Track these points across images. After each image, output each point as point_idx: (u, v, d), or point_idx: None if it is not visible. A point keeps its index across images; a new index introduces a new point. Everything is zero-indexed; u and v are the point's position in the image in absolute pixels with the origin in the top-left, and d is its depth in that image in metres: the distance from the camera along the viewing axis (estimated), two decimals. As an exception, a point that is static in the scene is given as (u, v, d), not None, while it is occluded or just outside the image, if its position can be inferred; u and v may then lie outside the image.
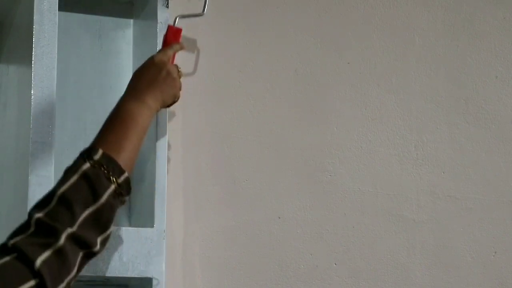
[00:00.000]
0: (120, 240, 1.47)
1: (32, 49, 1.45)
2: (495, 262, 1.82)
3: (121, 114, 1.31)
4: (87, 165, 1.21)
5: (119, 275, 1.48)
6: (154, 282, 1.49)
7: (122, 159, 1.24)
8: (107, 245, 1.24)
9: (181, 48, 1.52)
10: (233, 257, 1.68)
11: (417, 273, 1.78)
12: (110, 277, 1.48)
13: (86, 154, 1.22)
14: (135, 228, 1.53)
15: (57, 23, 1.47)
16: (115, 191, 1.22)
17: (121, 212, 1.62)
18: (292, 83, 1.76)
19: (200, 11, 1.59)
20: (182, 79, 1.47)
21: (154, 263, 1.49)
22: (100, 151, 1.22)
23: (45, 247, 1.13)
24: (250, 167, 1.71)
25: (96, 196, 1.20)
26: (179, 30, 1.52)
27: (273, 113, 1.74)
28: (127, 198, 1.26)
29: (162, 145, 1.54)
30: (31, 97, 1.44)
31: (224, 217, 1.69)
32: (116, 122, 1.30)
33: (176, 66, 1.46)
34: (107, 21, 1.67)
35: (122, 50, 1.68)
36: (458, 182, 1.83)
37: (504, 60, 1.88)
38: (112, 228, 1.23)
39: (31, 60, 1.45)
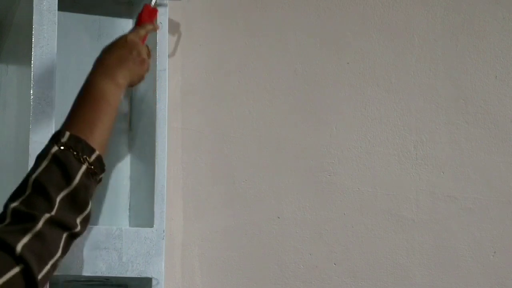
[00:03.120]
0: (119, 240, 1.48)
1: (31, 49, 1.45)
2: (494, 262, 1.82)
3: (93, 93, 1.29)
4: (55, 149, 1.20)
5: (118, 275, 1.48)
6: (154, 282, 1.49)
7: (95, 139, 1.23)
8: (89, 225, 1.23)
9: (154, 29, 1.50)
10: (233, 257, 1.68)
11: (417, 273, 1.78)
12: (109, 277, 1.48)
13: (55, 138, 1.22)
14: (135, 228, 1.53)
15: (56, 23, 1.47)
16: (87, 170, 1.21)
17: (120, 212, 1.62)
18: (292, 83, 1.76)
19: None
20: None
21: (153, 263, 1.49)
22: (67, 133, 1.22)
23: (23, 232, 1.12)
24: (250, 167, 1.71)
25: (68, 178, 1.19)
26: (154, 11, 1.49)
27: (273, 113, 1.74)
28: (102, 176, 1.25)
29: (162, 145, 1.54)
30: (31, 97, 1.44)
31: (224, 217, 1.69)
32: (87, 102, 1.28)
33: (147, 47, 1.43)
34: (107, 21, 1.67)
35: (122, 50, 1.67)
36: (458, 182, 1.83)
37: (503, 60, 1.88)
38: (91, 207, 1.22)
39: (31, 60, 1.45)
